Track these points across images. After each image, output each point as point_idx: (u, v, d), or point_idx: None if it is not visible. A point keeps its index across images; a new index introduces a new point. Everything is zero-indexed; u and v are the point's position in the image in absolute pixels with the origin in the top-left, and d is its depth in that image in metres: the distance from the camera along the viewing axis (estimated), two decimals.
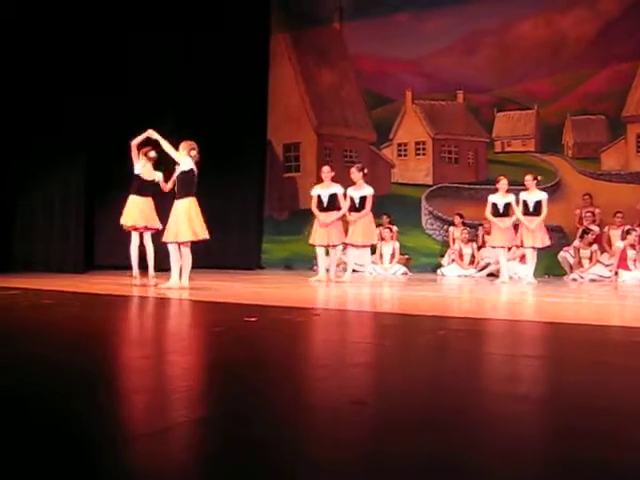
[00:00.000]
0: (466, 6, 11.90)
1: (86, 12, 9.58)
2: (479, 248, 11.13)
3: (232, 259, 11.90)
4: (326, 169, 8.85)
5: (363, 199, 8.52)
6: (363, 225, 8.53)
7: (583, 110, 11.45)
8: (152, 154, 7.42)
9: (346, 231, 8.76)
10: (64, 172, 9.75)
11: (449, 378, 2.43)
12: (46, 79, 9.42)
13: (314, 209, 8.71)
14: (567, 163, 11.63)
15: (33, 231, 9.87)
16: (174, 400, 1.99)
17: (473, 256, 11.11)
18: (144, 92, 10.37)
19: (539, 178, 9.28)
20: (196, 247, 6.97)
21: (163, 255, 7.09)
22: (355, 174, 8.62)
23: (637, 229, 10.04)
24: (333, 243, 8.63)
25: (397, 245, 11.56)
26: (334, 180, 8.73)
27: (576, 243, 10.45)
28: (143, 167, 7.44)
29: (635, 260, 9.87)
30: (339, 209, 8.55)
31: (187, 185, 6.69)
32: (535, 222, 8.93)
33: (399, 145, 12.83)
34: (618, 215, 10.45)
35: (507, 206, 9.13)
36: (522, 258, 9.96)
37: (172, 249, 6.72)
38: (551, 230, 10.11)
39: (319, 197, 8.68)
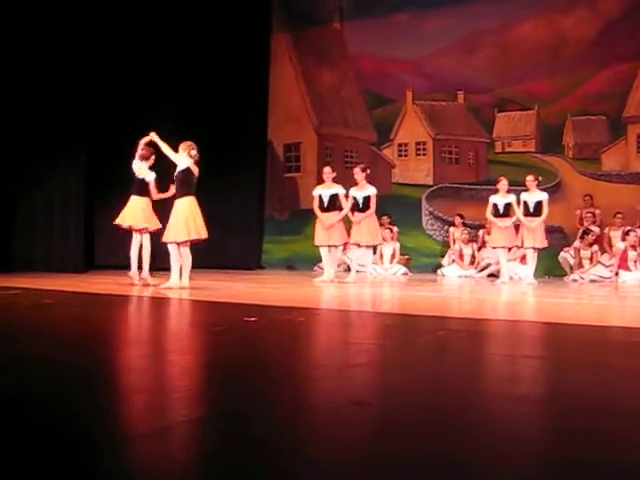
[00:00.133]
0: (466, 6, 11.89)
1: (86, 12, 9.58)
2: (479, 248, 11.12)
3: (232, 259, 11.89)
4: (327, 170, 8.86)
5: (367, 199, 8.51)
6: (367, 225, 8.53)
7: (584, 111, 11.44)
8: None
9: (348, 231, 8.76)
10: (64, 172, 9.75)
11: (449, 379, 2.43)
12: (46, 79, 9.41)
13: (315, 209, 8.72)
14: (567, 164, 11.62)
15: (33, 231, 9.86)
16: (174, 400, 1.99)
17: (473, 256, 11.11)
18: (144, 92, 10.37)
19: (539, 179, 9.29)
20: (196, 247, 6.97)
21: (163, 255, 7.09)
22: (358, 174, 8.62)
23: (637, 230, 10.03)
24: (334, 243, 8.64)
25: (397, 245, 11.55)
26: (334, 180, 8.74)
27: (576, 244, 10.45)
28: (138, 165, 7.39)
29: (636, 261, 9.86)
30: (340, 209, 8.56)
31: (186, 184, 6.69)
32: (535, 222, 8.93)
33: (399, 145, 12.83)
34: (618, 216, 10.45)
35: (507, 206, 9.14)
36: (522, 259, 9.95)
37: (172, 249, 6.73)
38: (552, 231, 10.12)
39: (320, 197, 8.69)
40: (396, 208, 11.86)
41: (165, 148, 6.78)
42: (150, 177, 7.43)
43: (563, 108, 11.59)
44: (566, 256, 10.57)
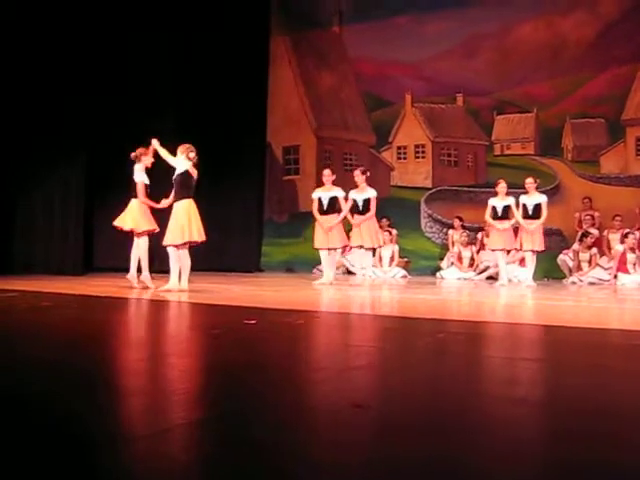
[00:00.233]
0: (466, 9, 11.92)
1: (86, 12, 9.59)
2: (478, 251, 11.13)
3: (232, 262, 11.90)
4: (327, 172, 8.86)
5: (367, 202, 8.51)
6: (367, 228, 8.52)
7: (583, 113, 11.46)
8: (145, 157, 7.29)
9: (347, 234, 8.76)
10: (64, 172, 9.75)
11: (448, 381, 2.43)
12: (46, 79, 9.42)
13: (315, 212, 8.72)
14: (566, 166, 11.64)
15: (33, 231, 9.87)
16: (173, 402, 1.99)
17: (472, 259, 11.11)
18: (144, 92, 10.39)
19: (537, 181, 9.31)
20: (196, 250, 6.97)
21: (162, 258, 7.09)
22: (359, 177, 8.62)
23: (636, 232, 10.04)
24: (333, 246, 8.64)
25: (396, 248, 11.55)
26: (334, 183, 8.74)
27: (575, 246, 10.45)
28: (138, 168, 7.32)
29: (634, 264, 9.87)
30: (339, 212, 8.56)
31: (185, 187, 6.69)
32: (534, 225, 8.95)
33: (399, 148, 12.84)
34: (617, 218, 10.46)
35: (506, 209, 9.17)
36: (521, 261, 9.96)
37: (171, 252, 6.73)
38: (550, 233, 10.13)
39: (319, 200, 8.69)
40: (395, 211, 11.86)
41: (164, 153, 6.77)
42: (138, 178, 7.21)
43: (562, 111, 11.61)
44: (565, 259, 10.58)
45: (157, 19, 10.70)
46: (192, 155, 6.72)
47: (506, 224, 9.18)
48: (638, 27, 10.87)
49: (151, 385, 2.33)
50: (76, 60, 9.54)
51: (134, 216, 7.20)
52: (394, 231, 11.70)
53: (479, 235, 11.27)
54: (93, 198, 9.95)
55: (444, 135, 12.51)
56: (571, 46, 11.54)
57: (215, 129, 11.39)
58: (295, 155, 13.59)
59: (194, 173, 6.74)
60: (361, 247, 8.60)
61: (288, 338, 3.54)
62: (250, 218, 12.75)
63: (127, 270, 7.40)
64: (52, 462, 1.42)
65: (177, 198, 6.69)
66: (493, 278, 10.27)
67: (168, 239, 6.65)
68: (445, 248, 11.87)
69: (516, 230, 9.25)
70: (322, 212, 8.65)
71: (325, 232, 8.55)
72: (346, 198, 8.60)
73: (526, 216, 9.02)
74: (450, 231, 11.72)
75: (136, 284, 7.19)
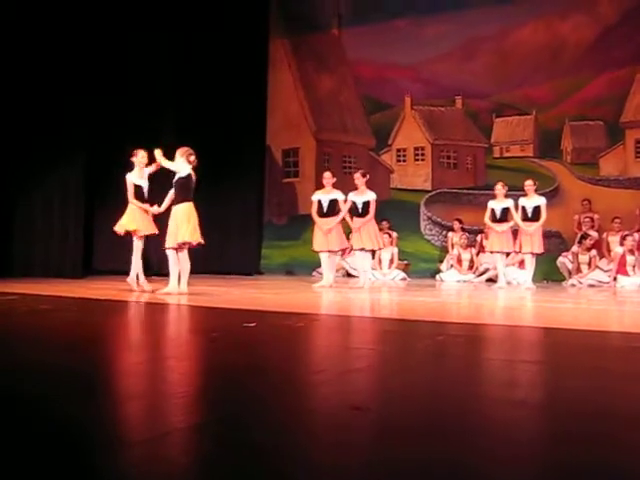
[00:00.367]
0: (465, 12, 11.93)
1: (86, 12, 9.60)
2: (478, 253, 11.13)
3: (231, 265, 11.90)
4: (328, 175, 8.86)
5: (366, 204, 8.50)
6: (367, 231, 8.51)
7: (582, 116, 11.47)
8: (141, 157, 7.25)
9: (347, 236, 8.76)
10: (64, 172, 9.73)
11: (448, 384, 2.43)
12: (46, 79, 9.42)
13: (314, 214, 8.72)
14: (565, 168, 11.65)
15: (32, 232, 9.85)
16: (173, 405, 1.99)
17: (472, 261, 11.11)
18: (144, 93, 10.39)
19: (536, 183, 9.33)
20: (196, 252, 6.97)
21: (162, 260, 7.08)
22: (359, 179, 8.61)
23: (634, 234, 10.05)
24: (333, 249, 8.64)
25: (396, 250, 11.56)
26: (334, 186, 8.75)
27: (575, 249, 10.46)
28: (136, 170, 7.31)
29: (634, 266, 9.87)
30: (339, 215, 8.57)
31: (185, 191, 6.69)
32: (533, 227, 8.95)
33: (398, 151, 12.85)
34: (616, 221, 10.47)
35: (504, 211, 9.18)
36: (521, 263, 9.97)
37: (170, 254, 6.73)
38: (550, 236, 10.13)
39: (319, 202, 8.69)
40: (394, 213, 11.87)
41: (167, 164, 6.76)
42: (128, 178, 7.14)
43: (561, 113, 11.62)
44: (564, 261, 10.58)
45: (157, 19, 10.70)
46: (192, 158, 6.73)
47: (505, 226, 9.19)
48: (637, 29, 10.89)
49: (150, 388, 2.33)
50: (76, 60, 9.54)
51: (134, 218, 7.14)
52: (394, 233, 11.71)
53: (478, 237, 11.28)
54: (93, 199, 9.94)
55: (443, 138, 12.52)
56: (570, 48, 11.56)
57: (215, 131, 11.40)
58: (294, 158, 13.60)
59: (193, 176, 6.74)
60: (362, 249, 8.59)
61: (288, 341, 3.54)
62: (250, 221, 12.75)
63: (127, 273, 7.39)
64: (51, 466, 1.42)
65: (177, 201, 6.69)
66: (493, 280, 10.27)
67: (167, 242, 6.67)
68: (444, 250, 11.87)
69: (516, 232, 9.25)
70: (322, 214, 8.65)
71: (324, 234, 8.55)
72: (346, 201, 8.60)
73: (525, 218, 9.03)
74: (449, 233, 11.72)
75: (136, 287, 7.18)
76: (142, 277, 7.25)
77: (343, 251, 9.89)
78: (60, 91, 9.48)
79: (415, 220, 12.46)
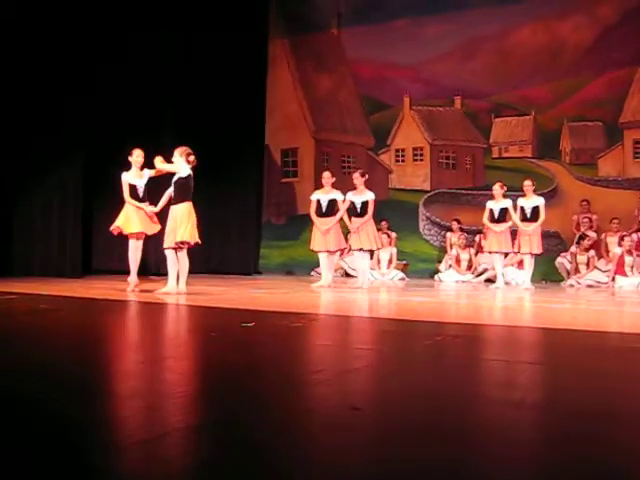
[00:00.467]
0: (464, 12, 11.94)
1: (86, 12, 9.59)
2: (476, 254, 11.14)
3: (230, 264, 11.90)
4: (327, 175, 8.86)
5: (365, 204, 8.50)
6: (365, 232, 8.51)
7: (580, 116, 11.48)
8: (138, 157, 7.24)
9: (345, 237, 8.76)
10: (62, 172, 9.73)
11: (447, 384, 2.43)
12: (46, 79, 9.42)
13: (312, 214, 8.71)
14: (564, 169, 11.66)
15: (32, 233, 9.86)
16: (171, 405, 1.99)
17: (470, 262, 11.12)
18: (144, 92, 10.38)
19: (535, 184, 9.34)
20: (194, 252, 6.96)
21: (161, 260, 7.08)
22: (358, 179, 8.61)
23: (633, 235, 10.06)
24: (331, 249, 8.64)
25: (394, 251, 11.57)
26: (333, 186, 8.75)
27: (573, 249, 10.47)
28: (133, 169, 7.31)
29: (632, 266, 9.88)
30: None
31: (184, 191, 6.69)
32: (532, 227, 8.96)
33: (397, 151, 12.85)
34: (614, 221, 10.49)
35: (503, 212, 9.19)
36: (519, 264, 9.97)
37: (169, 254, 6.73)
38: (548, 236, 10.14)
39: (318, 202, 8.69)
40: (393, 213, 11.88)
41: (167, 168, 6.76)
42: (123, 177, 7.12)
43: (560, 114, 11.63)
44: (563, 261, 10.59)
45: (157, 19, 10.71)
46: (192, 158, 6.73)
47: (503, 227, 9.20)
48: (636, 31, 10.90)
49: (149, 388, 2.33)
50: (76, 60, 9.54)
51: (130, 218, 7.13)
52: (392, 234, 11.72)
53: (477, 238, 11.28)
54: (91, 199, 9.94)
55: (442, 138, 12.53)
56: (569, 49, 11.57)
57: (214, 131, 11.41)
58: (293, 158, 13.60)
59: (192, 176, 6.75)
60: (361, 249, 8.60)
61: (286, 341, 3.54)
62: (248, 220, 12.75)
63: (126, 272, 7.39)
64: (49, 467, 1.42)
65: (176, 201, 6.69)
66: (491, 280, 10.27)
67: (165, 242, 6.68)
68: (443, 250, 11.88)
69: (514, 233, 9.26)
70: (320, 214, 8.66)
71: (323, 234, 8.55)
72: (344, 201, 8.61)
73: (524, 219, 9.04)
74: (448, 234, 11.73)
75: (136, 287, 7.17)
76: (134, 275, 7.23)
77: (342, 251, 9.89)
78: (60, 91, 9.48)
79: (414, 220, 12.46)
